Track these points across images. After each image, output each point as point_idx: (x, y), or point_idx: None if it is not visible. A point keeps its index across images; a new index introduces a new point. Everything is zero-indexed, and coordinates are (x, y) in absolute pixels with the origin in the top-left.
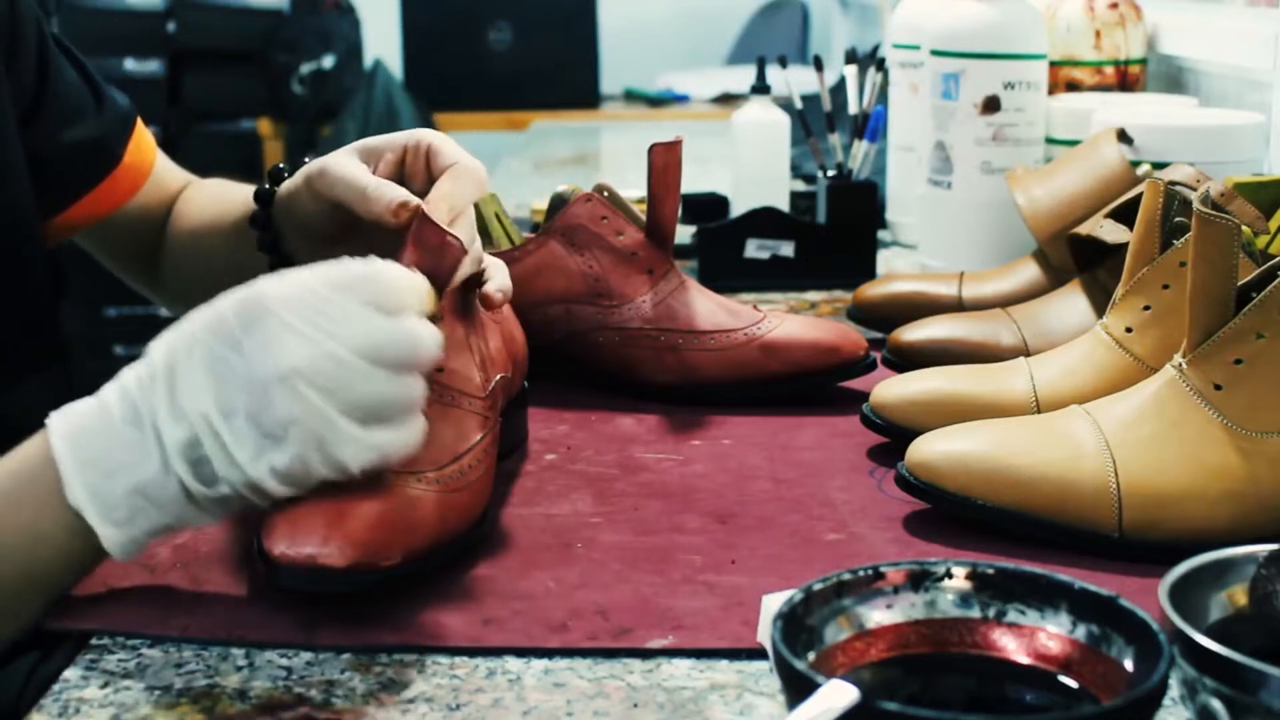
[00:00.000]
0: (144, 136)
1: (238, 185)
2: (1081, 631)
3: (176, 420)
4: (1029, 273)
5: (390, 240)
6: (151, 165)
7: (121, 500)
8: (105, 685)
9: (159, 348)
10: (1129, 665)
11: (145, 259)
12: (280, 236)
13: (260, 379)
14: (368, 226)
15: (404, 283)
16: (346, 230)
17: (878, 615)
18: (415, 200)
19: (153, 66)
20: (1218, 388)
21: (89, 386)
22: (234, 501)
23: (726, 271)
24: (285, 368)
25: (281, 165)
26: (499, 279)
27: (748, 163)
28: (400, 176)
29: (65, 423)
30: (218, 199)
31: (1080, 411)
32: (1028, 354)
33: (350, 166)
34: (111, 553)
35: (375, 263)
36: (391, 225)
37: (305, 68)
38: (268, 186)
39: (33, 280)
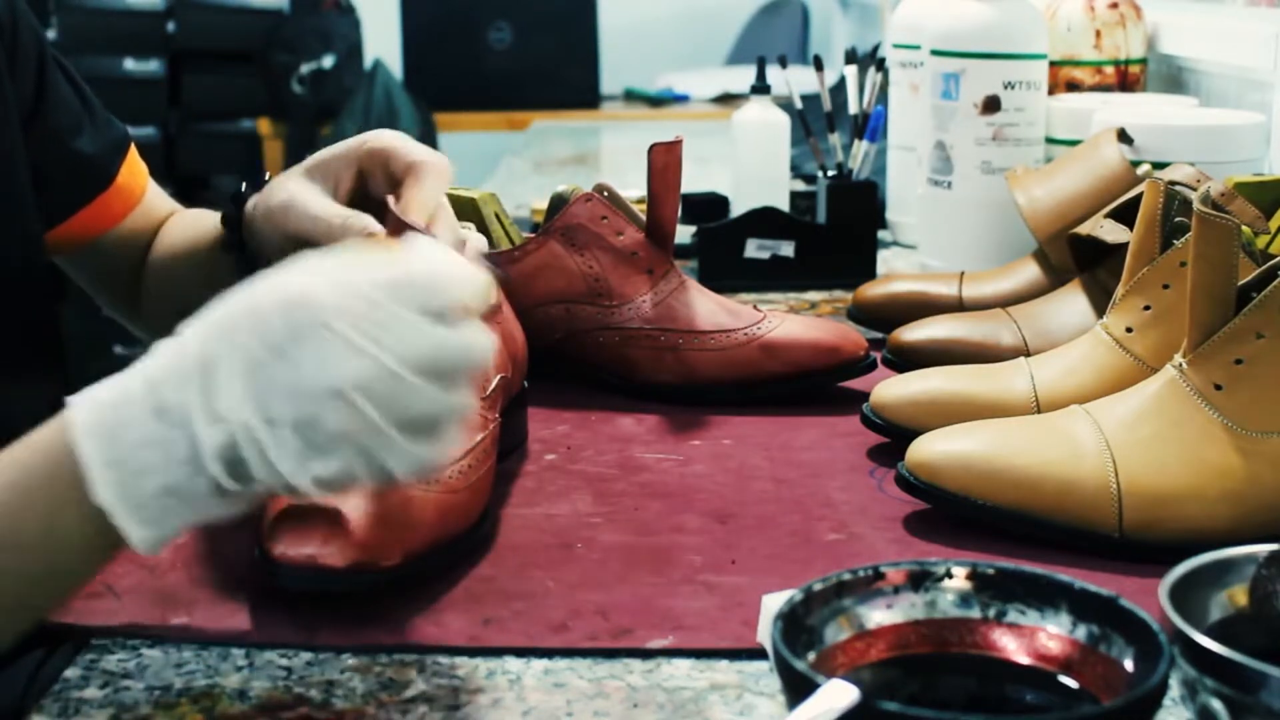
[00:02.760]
0: (137, 162)
1: (212, 212)
2: (1082, 632)
3: (212, 423)
4: (1029, 273)
5: None
6: (143, 191)
7: (151, 500)
8: (105, 685)
9: (193, 339)
10: (1129, 665)
11: (128, 286)
12: (257, 257)
13: (310, 391)
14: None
15: (461, 281)
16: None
17: (878, 615)
18: (380, 230)
19: (153, 66)
20: (1218, 388)
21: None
22: (265, 495)
23: (726, 271)
24: (340, 382)
25: (244, 187)
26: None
27: (748, 163)
28: (363, 191)
29: (89, 415)
30: (192, 226)
31: (1080, 411)
32: (1028, 354)
33: (313, 201)
34: (139, 550)
35: (430, 258)
36: None
37: (305, 67)
38: (233, 209)
39: (36, 286)
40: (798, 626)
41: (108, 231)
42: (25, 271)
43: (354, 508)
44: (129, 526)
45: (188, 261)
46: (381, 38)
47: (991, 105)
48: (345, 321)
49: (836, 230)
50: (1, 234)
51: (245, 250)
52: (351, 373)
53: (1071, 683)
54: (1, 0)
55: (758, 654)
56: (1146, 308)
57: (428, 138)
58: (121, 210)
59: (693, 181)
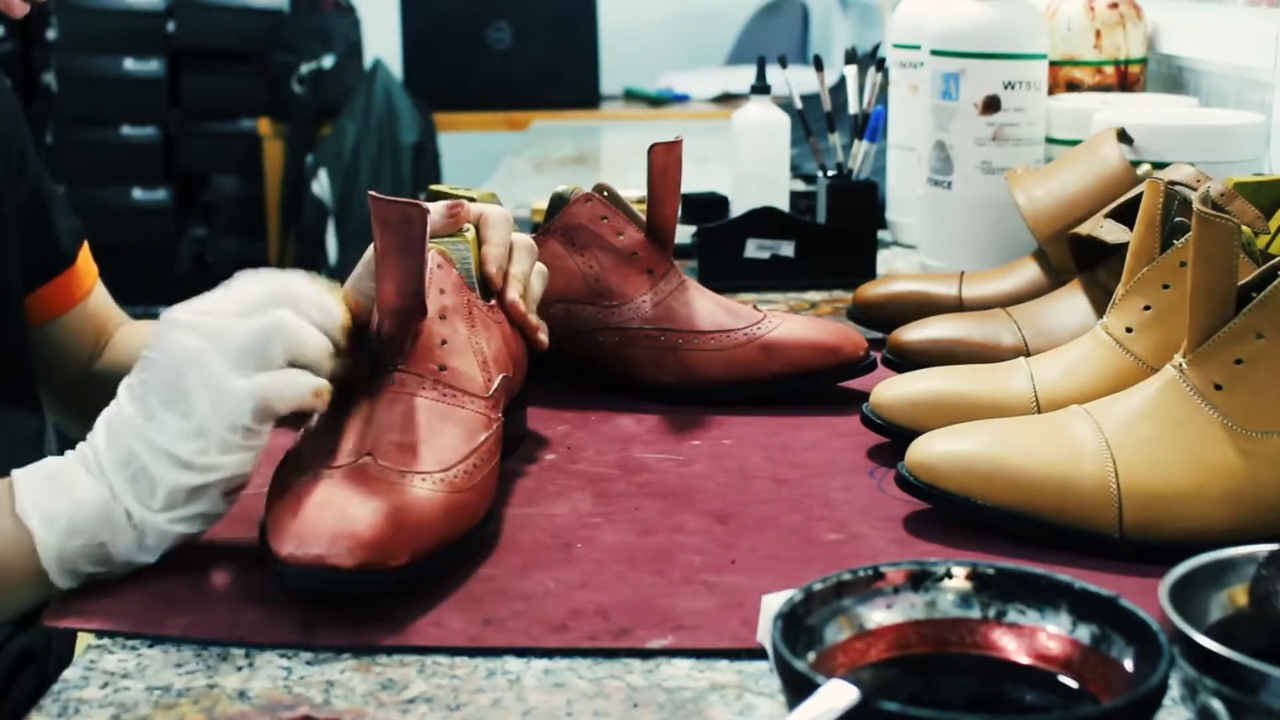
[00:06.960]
0: (89, 255)
1: None
2: (1082, 632)
3: (112, 446)
4: (1029, 273)
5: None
6: (94, 283)
7: (64, 511)
8: (105, 685)
9: (96, 425)
10: (1129, 665)
11: (72, 388)
12: None
13: (169, 371)
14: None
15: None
16: None
17: (878, 615)
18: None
19: (153, 66)
20: (1218, 388)
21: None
22: (173, 524)
23: (726, 271)
24: (190, 352)
25: None
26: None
27: (748, 163)
28: None
29: (28, 468)
30: (145, 333)
31: (1080, 411)
32: (1028, 354)
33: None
34: (46, 565)
35: None
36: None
37: (305, 67)
38: None
39: (12, 321)
40: (798, 626)
41: (61, 315)
42: (3, 309)
43: (361, 508)
44: (40, 531)
45: None
46: (381, 38)
47: (991, 105)
48: (190, 322)
49: (836, 230)
50: None
51: None
52: (190, 342)
53: (1071, 683)
54: None
55: (758, 654)
56: (1146, 308)
57: (428, 138)
58: (77, 294)
59: (693, 181)
